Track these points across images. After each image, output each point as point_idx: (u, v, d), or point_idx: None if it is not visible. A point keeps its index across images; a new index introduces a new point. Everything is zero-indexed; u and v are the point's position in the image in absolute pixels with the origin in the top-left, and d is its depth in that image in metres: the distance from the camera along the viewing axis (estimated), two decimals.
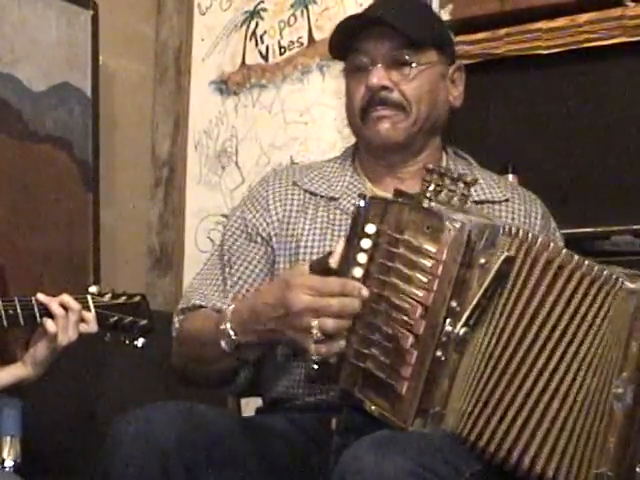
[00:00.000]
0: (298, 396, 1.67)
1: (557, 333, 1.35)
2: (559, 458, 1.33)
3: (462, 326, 1.35)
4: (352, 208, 1.71)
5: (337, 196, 1.75)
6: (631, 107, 2.30)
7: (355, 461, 1.31)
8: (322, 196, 1.76)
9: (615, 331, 1.34)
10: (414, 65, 1.71)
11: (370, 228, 1.44)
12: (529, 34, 2.38)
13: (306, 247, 1.72)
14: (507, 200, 1.77)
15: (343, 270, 1.46)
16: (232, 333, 1.55)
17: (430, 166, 1.45)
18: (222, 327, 1.56)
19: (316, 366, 1.45)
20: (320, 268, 1.48)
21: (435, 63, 1.73)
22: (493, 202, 1.75)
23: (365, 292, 1.42)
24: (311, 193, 1.77)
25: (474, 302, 1.35)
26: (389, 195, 1.50)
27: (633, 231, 2.24)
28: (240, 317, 1.55)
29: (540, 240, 1.37)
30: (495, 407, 1.35)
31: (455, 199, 1.41)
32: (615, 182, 2.30)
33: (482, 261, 1.35)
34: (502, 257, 1.35)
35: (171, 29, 3.15)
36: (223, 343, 1.56)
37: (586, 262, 1.35)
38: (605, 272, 1.34)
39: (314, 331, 1.41)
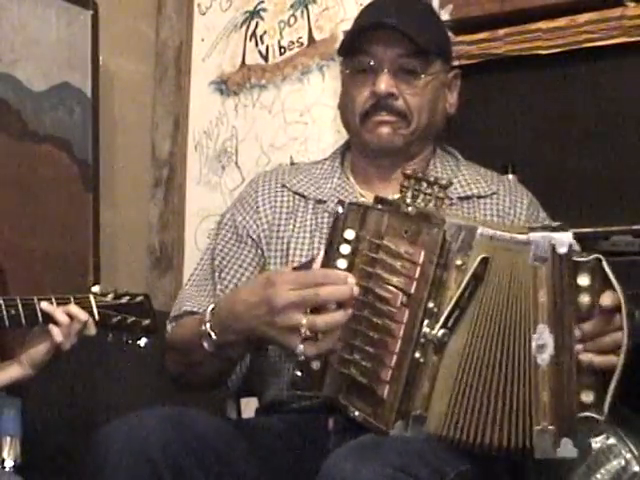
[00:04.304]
0: (294, 399, 1.66)
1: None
2: (499, 428, 1.33)
3: (440, 327, 1.34)
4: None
5: (325, 199, 1.74)
6: (631, 107, 2.30)
7: (334, 468, 1.30)
8: (310, 199, 1.75)
9: (520, 287, 1.35)
10: (422, 76, 1.70)
11: (349, 234, 1.43)
12: (529, 34, 2.37)
13: (295, 249, 1.71)
14: (494, 193, 1.76)
15: None
16: (212, 333, 1.53)
17: (407, 172, 1.45)
18: (202, 328, 1.54)
19: (299, 373, 1.44)
20: None
21: (439, 72, 1.73)
22: (479, 197, 1.74)
23: (352, 279, 1.39)
24: (300, 195, 1.76)
25: (452, 303, 1.34)
26: (370, 200, 1.49)
27: (633, 231, 2.24)
28: (219, 316, 1.53)
29: None
30: (474, 403, 1.34)
31: (432, 203, 1.41)
32: (615, 182, 2.30)
33: (459, 262, 1.34)
34: (478, 258, 1.34)
35: (171, 29, 3.15)
36: (205, 344, 1.54)
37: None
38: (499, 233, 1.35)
39: (302, 329, 1.37)
